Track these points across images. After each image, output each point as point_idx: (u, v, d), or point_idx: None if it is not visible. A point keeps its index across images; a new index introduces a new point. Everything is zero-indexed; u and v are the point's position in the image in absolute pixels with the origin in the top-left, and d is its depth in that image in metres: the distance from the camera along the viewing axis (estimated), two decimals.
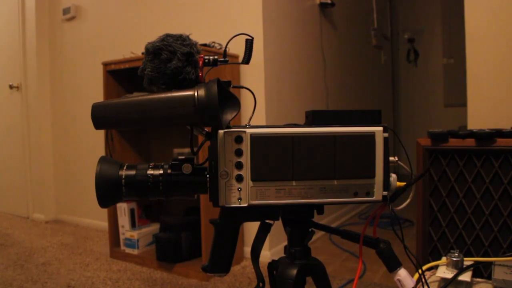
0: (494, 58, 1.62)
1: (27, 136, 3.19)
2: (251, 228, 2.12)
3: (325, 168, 0.58)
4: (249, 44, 0.61)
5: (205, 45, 1.95)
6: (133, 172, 0.59)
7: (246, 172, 0.57)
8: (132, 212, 2.21)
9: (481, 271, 1.05)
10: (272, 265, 0.68)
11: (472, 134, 1.05)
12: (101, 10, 2.81)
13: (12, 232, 2.82)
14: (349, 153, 0.58)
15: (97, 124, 0.57)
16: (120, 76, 2.25)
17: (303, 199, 0.59)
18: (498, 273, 0.91)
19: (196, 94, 0.54)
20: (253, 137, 0.57)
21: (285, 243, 0.67)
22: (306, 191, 0.58)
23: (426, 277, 0.98)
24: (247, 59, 0.61)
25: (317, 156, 0.58)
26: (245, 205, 0.58)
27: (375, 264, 1.94)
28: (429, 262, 1.06)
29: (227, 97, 0.57)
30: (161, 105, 0.55)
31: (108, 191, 0.58)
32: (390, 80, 4.57)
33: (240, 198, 0.58)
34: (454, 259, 0.94)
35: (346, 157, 0.58)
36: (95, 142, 2.73)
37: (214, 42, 2.02)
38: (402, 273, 0.62)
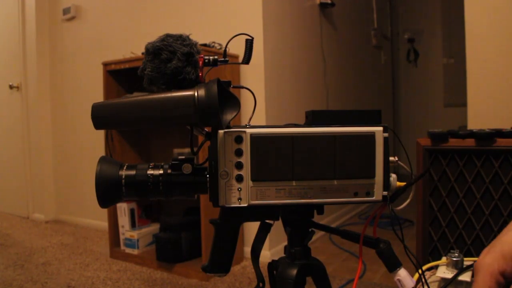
0: (494, 58, 1.62)
1: (27, 136, 3.19)
2: (251, 228, 2.12)
3: (325, 168, 0.58)
4: (249, 44, 0.61)
5: (205, 45, 1.95)
6: (133, 172, 0.59)
7: (246, 172, 0.57)
8: (132, 212, 2.21)
9: None
10: (272, 265, 0.68)
11: (472, 134, 1.05)
12: (101, 10, 2.81)
13: (12, 232, 2.82)
14: (349, 153, 0.58)
15: (97, 124, 0.57)
16: (120, 76, 2.25)
17: (303, 199, 0.59)
18: None
19: (196, 94, 0.54)
20: (253, 137, 0.57)
21: (285, 243, 0.67)
22: (306, 191, 0.58)
23: (426, 277, 0.98)
24: (247, 59, 0.61)
25: (317, 156, 0.58)
26: (245, 205, 0.58)
27: (375, 264, 1.94)
28: (429, 262, 1.06)
29: (227, 97, 0.57)
30: (161, 105, 0.55)
31: (108, 191, 0.58)
32: (390, 80, 4.57)
33: (240, 198, 0.58)
34: (454, 259, 0.94)
35: (346, 157, 0.58)
36: (95, 142, 2.73)
37: (214, 42, 2.02)
38: (402, 273, 0.62)
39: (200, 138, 0.63)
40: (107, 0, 2.78)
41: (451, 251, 0.96)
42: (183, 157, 0.60)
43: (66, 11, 2.98)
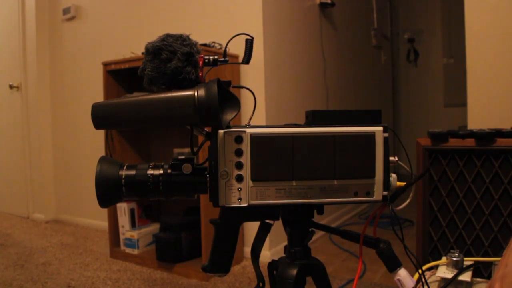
0: (494, 58, 1.62)
1: (27, 136, 3.19)
2: (251, 228, 2.12)
3: (325, 168, 0.58)
4: (249, 44, 0.61)
5: (205, 45, 1.95)
6: (133, 172, 0.59)
7: (246, 172, 0.57)
8: (132, 212, 2.21)
9: (481, 271, 1.05)
10: (272, 265, 0.68)
11: (472, 134, 1.05)
12: (101, 10, 2.81)
13: (12, 232, 2.82)
14: (349, 153, 0.58)
15: (97, 124, 0.57)
16: (120, 76, 2.25)
17: (303, 199, 0.59)
18: None
19: (196, 94, 0.54)
20: (253, 137, 0.57)
21: (285, 243, 0.67)
22: (306, 191, 0.58)
23: (426, 277, 0.98)
24: (247, 59, 0.61)
25: (317, 156, 0.58)
26: (245, 205, 0.58)
27: (375, 264, 1.94)
28: (429, 262, 1.06)
29: (227, 97, 0.57)
30: (161, 105, 0.55)
31: (108, 191, 0.58)
32: (390, 80, 4.57)
33: (240, 198, 0.58)
34: (454, 259, 0.94)
35: (346, 157, 0.58)
36: (95, 142, 2.73)
37: (214, 42, 2.02)
38: (402, 273, 0.62)
39: (200, 138, 0.63)
40: (107, 0, 2.78)
41: (451, 251, 0.96)
42: (183, 157, 0.60)
43: (66, 11, 2.97)
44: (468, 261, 0.98)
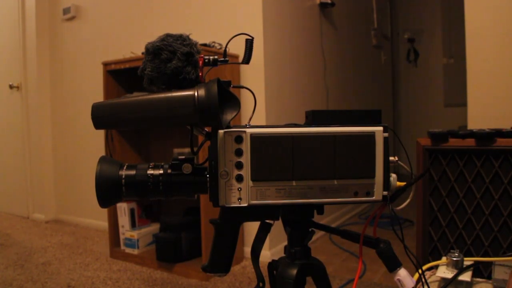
0: (494, 58, 1.62)
1: (27, 136, 3.19)
2: (251, 228, 2.12)
3: (325, 168, 0.58)
4: (249, 44, 0.61)
5: (205, 45, 1.95)
6: (133, 172, 0.59)
7: (246, 172, 0.57)
8: (132, 212, 2.21)
9: (481, 271, 1.05)
10: (272, 265, 0.68)
11: (472, 134, 1.05)
12: (101, 10, 2.81)
13: (12, 232, 2.82)
14: (349, 153, 0.58)
15: (97, 124, 0.57)
16: (120, 76, 2.25)
17: (303, 199, 0.59)
18: (498, 273, 0.91)
19: (196, 94, 0.54)
20: (253, 137, 0.57)
21: (285, 243, 0.67)
22: (306, 191, 0.58)
23: (426, 277, 0.98)
24: (247, 59, 0.61)
25: (317, 156, 0.58)
26: (245, 205, 0.58)
27: (375, 264, 1.94)
28: (429, 262, 1.06)
29: (227, 97, 0.57)
30: (161, 105, 0.55)
31: (108, 191, 0.58)
32: (390, 80, 4.57)
33: (240, 198, 0.58)
34: (454, 259, 0.94)
35: (346, 157, 0.58)
36: (95, 142, 2.73)
37: (214, 42, 2.02)
38: (402, 273, 0.62)
39: (200, 138, 0.63)
40: (107, 0, 2.78)
41: (451, 251, 0.96)
42: (183, 157, 0.60)
43: (66, 11, 2.97)
44: (468, 261, 0.98)
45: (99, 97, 2.33)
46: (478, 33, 1.65)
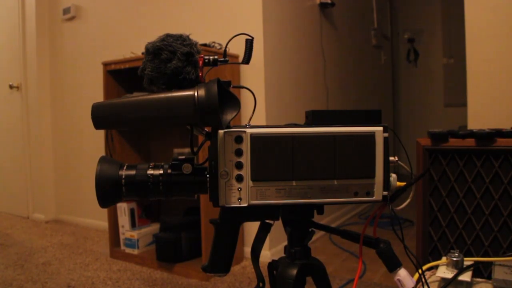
0: (494, 58, 1.62)
1: (27, 136, 3.19)
2: (251, 228, 2.12)
3: (325, 168, 0.58)
4: (249, 44, 0.61)
5: (205, 45, 1.95)
6: (133, 172, 0.59)
7: (246, 172, 0.57)
8: (132, 212, 2.21)
9: (481, 271, 1.05)
10: (272, 265, 0.68)
11: (472, 134, 1.05)
12: (101, 10, 2.81)
13: (12, 232, 2.82)
14: (349, 153, 0.58)
15: (97, 124, 0.57)
16: (120, 76, 2.25)
17: (303, 199, 0.59)
18: (498, 273, 0.91)
19: (196, 94, 0.54)
20: (253, 137, 0.57)
21: (285, 243, 0.67)
22: (306, 191, 0.58)
23: (426, 277, 0.98)
24: (247, 59, 0.61)
25: (317, 156, 0.58)
26: (245, 205, 0.58)
27: (375, 264, 1.94)
28: (429, 262, 1.06)
29: (227, 97, 0.57)
30: (161, 105, 0.55)
31: (108, 191, 0.58)
32: (390, 80, 4.57)
33: (240, 198, 0.58)
34: (454, 259, 0.94)
35: (346, 157, 0.58)
36: (95, 142, 2.73)
37: (214, 42, 2.02)
38: (402, 273, 0.62)
39: (200, 138, 0.63)
40: (107, 0, 2.78)
41: (451, 251, 0.96)
42: (183, 157, 0.60)
43: (66, 11, 2.97)
44: (468, 261, 0.98)
45: (99, 97, 2.33)
46: (478, 33, 1.65)
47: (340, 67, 3.06)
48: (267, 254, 2.05)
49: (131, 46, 2.34)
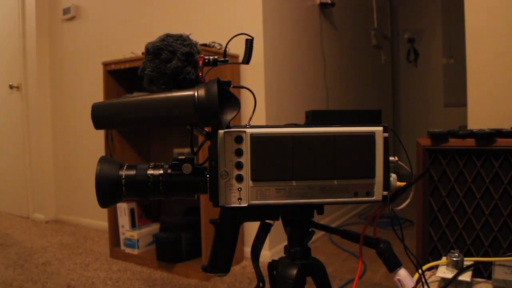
0: (494, 58, 1.62)
1: (27, 136, 3.19)
2: (251, 228, 2.12)
3: (325, 168, 0.58)
4: (249, 44, 0.61)
5: (205, 45, 1.95)
6: (133, 172, 0.59)
7: (246, 172, 0.57)
8: (132, 212, 2.21)
9: (481, 271, 1.05)
10: (272, 265, 0.68)
11: (472, 134, 1.05)
12: (101, 10, 2.81)
13: (12, 232, 2.82)
14: (349, 153, 0.58)
15: (97, 124, 0.57)
16: (120, 76, 2.25)
17: (303, 199, 0.59)
18: (498, 273, 0.91)
19: (196, 94, 0.54)
20: (253, 137, 0.57)
21: (285, 243, 0.67)
22: (306, 191, 0.58)
23: (426, 277, 0.98)
24: (247, 59, 0.61)
25: (317, 156, 0.58)
26: (245, 205, 0.58)
27: (375, 264, 1.94)
28: (429, 262, 1.06)
29: (227, 97, 0.57)
30: (161, 105, 0.55)
31: (108, 191, 0.58)
32: (390, 80, 4.57)
33: (240, 198, 0.58)
34: (454, 259, 0.94)
35: (346, 157, 0.58)
36: (95, 142, 2.73)
37: (214, 42, 2.02)
38: (402, 273, 0.62)
39: (200, 138, 0.63)
40: (107, 0, 2.78)
41: (451, 251, 0.96)
42: (183, 157, 0.60)
43: (66, 11, 2.97)
44: (468, 261, 0.98)
45: (99, 97, 2.33)
46: (478, 33, 1.65)
47: (340, 67, 3.06)
48: (267, 254, 2.05)
49: (131, 46, 2.34)
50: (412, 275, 0.65)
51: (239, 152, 0.57)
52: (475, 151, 1.05)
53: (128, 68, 2.12)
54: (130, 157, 2.34)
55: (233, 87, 0.61)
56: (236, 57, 1.95)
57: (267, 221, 0.65)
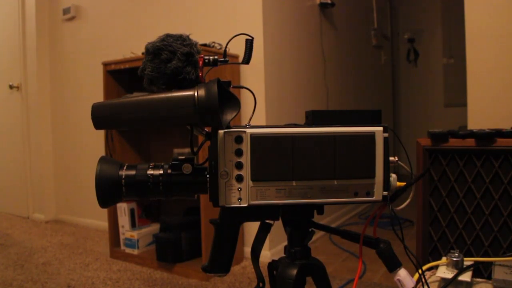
0: (494, 58, 1.62)
1: (27, 136, 3.19)
2: (251, 228, 2.12)
3: (325, 168, 0.58)
4: (249, 44, 0.61)
5: (205, 45, 1.95)
6: (133, 172, 0.59)
7: (246, 172, 0.57)
8: (132, 212, 2.21)
9: (481, 271, 1.05)
10: (272, 265, 0.68)
11: (472, 134, 1.05)
12: (101, 10, 2.81)
13: (12, 232, 2.82)
14: (349, 153, 0.58)
15: (97, 124, 0.57)
16: (120, 76, 2.25)
17: (303, 199, 0.59)
18: (498, 273, 0.91)
19: (196, 94, 0.54)
20: (253, 137, 0.57)
21: (285, 243, 0.67)
22: (306, 191, 0.58)
23: (426, 277, 0.98)
24: (247, 59, 0.61)
25: (317, 156, 0.58)
26: (245, 205, 0.58)
27: (375, 264, 1.94)
28: (429, 262, 1.06)
29: (227, 97, 0.57)
30: (161, 105, 0.55)
31: (108, 191, 0.58)
32: (390, 80, 4.57)
33: (240, 198, 0.58)
34: (454, 259, 0.94)
35: (346, 157, 0.58)
36: (95, 142, 2.73)
37: (214, 42, 2.02)
38: (402, 273, 0.62)
39: (200, 138, 0.63)
40: (107, 0, 2.78)
41: (451, 251, 0.96)
42: (183, 157, 0.60)
43: (66, 11, 2.98)
44: (468, 261, 0.98)
45: (99, 97, 2.33)
46: (478, 33, 1.65)
47: (340, 67, 3.06)
48: (267, 254, 2.05)
49: (131, 46, 2.34)
50: (412, 275, 0.65)
51: (239, 152, 0.57)
52: (475, 151, 1.05)
53: (128, 68, 2.12)
54: (130, 157, 2.34)
55: (233, 87, 0.61)
56: (236, 57, 1.95)
57: (267, 221, 0.65)
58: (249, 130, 0.57)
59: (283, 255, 0.68)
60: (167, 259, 2.01)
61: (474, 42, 1.66)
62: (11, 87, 3.25)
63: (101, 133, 2.40)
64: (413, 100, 4.65)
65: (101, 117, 0.56)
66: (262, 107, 2.06)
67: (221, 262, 0.65)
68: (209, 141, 0.58)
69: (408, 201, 0.64)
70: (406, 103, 4.70)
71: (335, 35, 2.98)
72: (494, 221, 1.04)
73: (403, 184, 0.62)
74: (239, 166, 0.57)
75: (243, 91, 1.91)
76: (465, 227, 1.07)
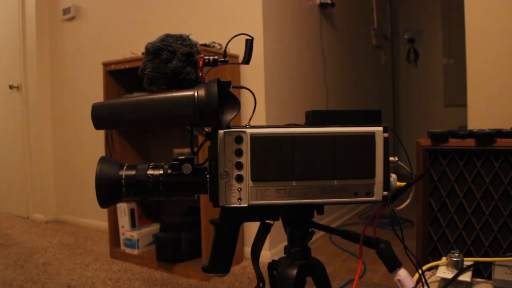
0: (494, 58, 1.62)
1: (27, 136, 3.19)
2: (251, 228, 2.12)
3: (325, 168, 0.58)
4: (249, 44, 0.61)
5: (205, 45, 1.95)
6: (133, 172, 0.59)
7: (246, 172, 0.57)
8: (132, 212, 2.21)
9: (481, 271, 1.05)
10: (272, 265, 0.68)
11: (472, 134, 1.05)
12: (101, 10, 2.81)
13: (12, 232, 2.82)
14: (349, 153, 0.58)
15: (97, 124, 0.57)
16: (120, 76, 2.25)
17: (303, 199, 0.59)
18: (498, 273, 0.91)
19: (196, 94, 0.54)
20: (253, 137, 0.57)
21: (285, 243, 0.67)
22: (306, 191, 0.58)
23: (426, 277, 0.98)
24: (247, 59, 0.61)
25: (317, 156, 0.58)
26: (245, 205, 0.58)
27: (375, 264, 1.94)
28: (429, 262, 1.06)
29: (227, 97, 0.57)
30: (161, 105, 0.55)
31: (108, 191, 0.58)
32: (390, 80, 4.57)
33: (240, 198, 0.58)
34: (454, 259, 0.94)
35: (346, 157, 0.58)
36: (95, 142, 2.73)
37: (214, 42, 2.02)
38: (402, 273, 0.62)
39: (200, 138, 0.63)
40: (107, 0, 2.78)
41: (451, 251, 0.96)
42: (183, 157, 0.60)
43: (66, 11, 2.97)
44: (468, 261, 0.98)
45: (99, 97, 2.33)
46: (478, 33, 1.65)
47: (340, 67, 3.06)
48: (267, 254, 2.05)
49: (131, 46, 2.34)
50: (412, 275, 0.65)
51: (239, 152, 0.57)
52: (475, 151, 1.05)
53: (128, 68, 2.12)
54: (130, 157, 2.34)
55: (233, 87, 0.61)
56: (236, 57, 1.95)
57: (267, 221, 0.65)
58: (249, 130, 0.57)
59: (283, 255, 0.68)
60: (167, 259, 2.01)
61: (474, 42, 1.66)
62: (11, 87, 3.25)
63: (101, 133, 2.40)
64: (413, 100, 4.65)
65: (101, 117, 0.56)
66: (262, 107, 2.06)
67: (221, 262, 0.65)
68: (209, 141, 0.58)
69: (408, 201, 0.64)
70: (406, 103, 4.70)
71: (335, 35, 2.98)
72: (494, 221, 1.04)
73: (403, 184, 0.62)
74: (239, 166, 0.57)
75: (243, 91, 1.91)
76: (465, 227, 1.07)
